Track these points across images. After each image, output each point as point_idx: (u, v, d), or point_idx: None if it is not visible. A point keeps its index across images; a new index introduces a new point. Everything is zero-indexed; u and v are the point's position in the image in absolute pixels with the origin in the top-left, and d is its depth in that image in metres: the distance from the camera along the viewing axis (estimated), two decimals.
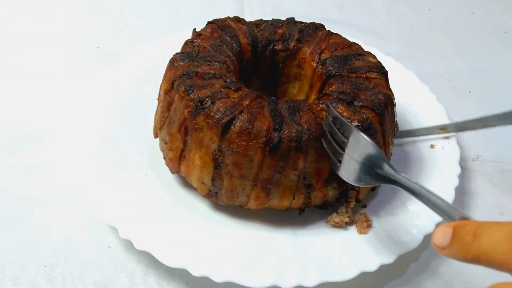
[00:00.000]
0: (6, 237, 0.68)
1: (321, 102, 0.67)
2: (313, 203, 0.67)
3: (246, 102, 0.64)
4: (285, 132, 0.61)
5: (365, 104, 0.66)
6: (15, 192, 0.74)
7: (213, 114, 0.62)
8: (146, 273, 0.65)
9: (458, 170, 0.75)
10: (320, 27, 0.83)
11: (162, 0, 1.26)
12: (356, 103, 0.66)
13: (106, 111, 0.81)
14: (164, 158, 0.71)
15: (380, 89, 0.70)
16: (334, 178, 0.65)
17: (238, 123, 0.61)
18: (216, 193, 0.66)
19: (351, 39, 0.82)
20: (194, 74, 0.67)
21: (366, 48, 0.81)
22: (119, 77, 0.87)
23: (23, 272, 0.64)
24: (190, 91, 0.64)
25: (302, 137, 0.61)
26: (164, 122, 0.70)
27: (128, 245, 0.65)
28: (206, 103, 0.63)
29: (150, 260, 0.65)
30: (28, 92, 0.93)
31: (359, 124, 0.63)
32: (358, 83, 0.70)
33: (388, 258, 0.62)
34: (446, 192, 0.71)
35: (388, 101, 0.69)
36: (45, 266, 0.65)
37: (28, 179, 0.76)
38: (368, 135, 0.62)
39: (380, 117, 0.66)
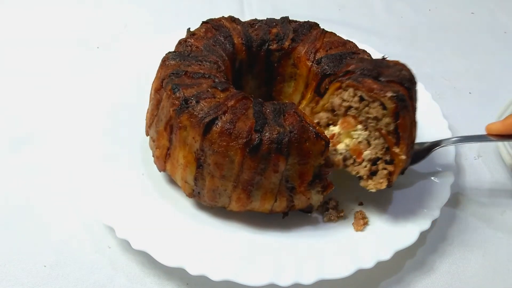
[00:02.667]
0: (6, 237, 0.68)
1: (346, 78, 0.64)
2: (297, 206, 0.66)
3: (231, 102, 0.63)
4: (266, 133, 0.60)
5: (391, 79, 0.62)
6: (15, 192, 0.74)
7: (196, 113, 0.62)
8: (146, 273, 0.65)
9: (454, 167, 0.76)
10: (314, 25, 0.83)
11: (162, 0, 1.26)
12: (381, 78, 0.63)
13: (104, 112, 0.81)
14: (153, 155, 0.71)
15: (402, 67, 0.67)
16: (318, 181, 0.64)
17: (220, 123, 0.61)
18: (199, 193, 0.66)
19: (351, 40, 0.82)
20: (183, 73, 0.67)
21: (361, 46, 0.81)
22: (116, 78, 0.88)
23: (23, 272, 0.64)
24: (176, 89, 0.64)
25: (283, 139, 0.60)
26: (153, 120, 0.70)
27: (128, 245, 0.66)
28: (191, 102, 0.63)
29: (149, 260, 0.65)
30: (28, 92, 0.93)
31: (394, 94, 0.60)
32: (378, 61, 0.68)
33: (384, 255, 0.63)
34: (441, 189, 0.72)
35: (413, 78, 0.66)
36: (45, 266, 0.65)
37: (28, 179, 0.76)
38: (402, 108, 0.60)
39: (409, 92, 0.63)
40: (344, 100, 0.66)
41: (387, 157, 0.64)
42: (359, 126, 0.65)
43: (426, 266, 0.68)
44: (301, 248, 0.64)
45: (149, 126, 0.72)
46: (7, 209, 0.72)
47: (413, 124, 0.65)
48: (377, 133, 0.64)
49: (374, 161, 0.65)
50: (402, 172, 0.67)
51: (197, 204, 0.69)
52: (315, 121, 0.69)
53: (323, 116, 0.69)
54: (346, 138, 0.67)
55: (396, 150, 0.62)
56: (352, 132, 0.66)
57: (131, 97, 0.84)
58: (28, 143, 0.82)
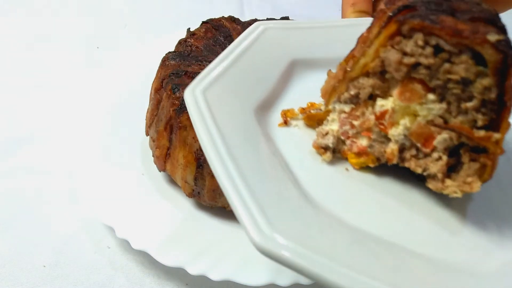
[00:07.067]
0: (6, 237, 0.68)
1: (406, 15, 0.42)
2: None
3: None
4: None
5: (475, 15, 0.40)
6: (15, 192, 0.74)
7: None
8: (145, 273, 0.65)
9: None
10: None
11: (162, 0, 1.26)
12: (458, 15, 0.40)
13: (104, 112, 0.81)
14: (153, 155, 0.71)
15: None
16: None
17: None
18: (198, 192, 0.66)
19: None
20: (183, 74, 0.68)
21: None
22: (116, 78, 0.88)
23: (23, 272, 0.64)
24: (176, 89, 0.65)
25: None
26: (153, 120, 0.70)
27: (127, 245, 0.66)
28: None
29: (149, 260, 0.65)
30: (28, 92, 0.93)
31: (500, 38, 0.38)
32: None
33: None
34: None
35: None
36: (44, 266, 0.65)
37: (28, 179, 0.76)
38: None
39: (506, 37, 0.39)
40: (406, 54, 0.43)
41: (474, 143, 0.42)
42: (431, 96, 0.43)
43: None
44: None
45: (149, 126, 0.72)
46: (7, 209, 0.72)
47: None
48: (462, 106, 0.42)
49: (453, 151, 0.44)
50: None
51: (197, 204, 0.69)
52: (351, 92, 0.48)
53: (365, 83, 0.47)
54: (404, 117, 0.46)
55: (496, 135, 0.41)
56: (418, 107, 0.44)
57: (131, 97, 0.84)
58: (28, 143, 0.82)
